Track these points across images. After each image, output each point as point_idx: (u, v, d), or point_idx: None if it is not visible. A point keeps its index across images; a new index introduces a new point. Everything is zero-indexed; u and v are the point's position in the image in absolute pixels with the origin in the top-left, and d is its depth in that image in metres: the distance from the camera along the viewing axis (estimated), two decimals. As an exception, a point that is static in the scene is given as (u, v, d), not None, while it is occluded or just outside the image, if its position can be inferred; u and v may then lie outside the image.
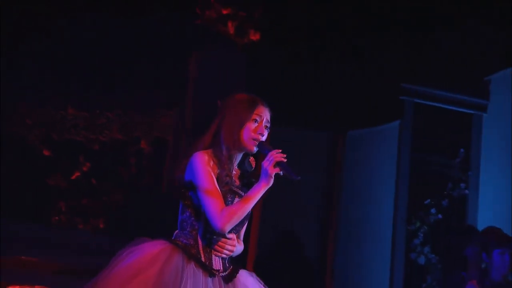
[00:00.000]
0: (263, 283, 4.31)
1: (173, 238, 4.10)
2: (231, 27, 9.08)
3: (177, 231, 4.15)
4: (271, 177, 3.99)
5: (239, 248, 4.18)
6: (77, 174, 9.12)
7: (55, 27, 9.22)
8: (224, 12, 9.08)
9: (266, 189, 4.03)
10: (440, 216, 8.73)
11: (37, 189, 8.85)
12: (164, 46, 9.04)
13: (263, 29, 9.20)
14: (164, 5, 9.02)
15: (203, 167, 4.07)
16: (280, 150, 4.00)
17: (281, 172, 3.94)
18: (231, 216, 4.02)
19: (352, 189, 8.77)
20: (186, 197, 4.10)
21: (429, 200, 8.75)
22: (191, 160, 4.13)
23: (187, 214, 4.09)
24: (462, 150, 8.84)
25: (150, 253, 3.98)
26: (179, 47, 9.06)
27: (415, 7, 9.37)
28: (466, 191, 8.74)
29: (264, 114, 4.23)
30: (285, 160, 3.99)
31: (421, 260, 8.62)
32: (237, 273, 4.16)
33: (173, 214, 8.60)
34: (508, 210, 8.42)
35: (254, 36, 9.08)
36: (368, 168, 8.83)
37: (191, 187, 4.07)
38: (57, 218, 8.84)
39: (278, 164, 3.94)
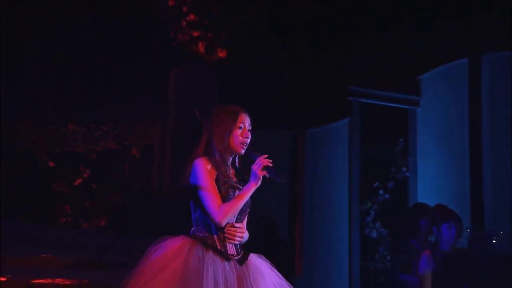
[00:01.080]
0: (270, 263, 4.45)
1: (190, 233, 4.28)
2: (201, 47, 9.34)
3: (193, 228, 4.32)
4: (259, 178, 4.19)
5: (246, 235, 4.32)
6: (79, 180, 9.24)
7: (47, 52, 9.20)
8: (195, 34, 9.36)
9: (255, 188, 4.24)
10: (387, 196, 9.14)
11: (45, 195, 8.92)
12: (146, 68, 9.11)
13: (229, 46, 9.36)
14: (143, 31, 9.11)
15: (203, 171, 4.23)
16: (266, 156, 4.24)
17: (268, 174, 4.16)
18: (227, 212, 4.19)
19: (314, 178, 9.00)
20: (195, 198, 4.27)
21: (377, 183, 9.13)
22: (193, 166, 4.29)
23: (199, 212, 4.26)
24: (401, 139, 9.29)
25: (174, 247, 4.18)
26: (159, 67, 9.19)
27: (357, 17, 9.56)
28: (407, 174, 9.20)
29: (246, 120, 4.40)
30: (271, 165, 4.20)
31: (374, 234, 9.01)
32: (248, 256, 4.32)
33: (162, 211, 8.65)
34: (442, 188, 8.98)
35: (222, 53, 9.33)
36: (325, 160, 9.04)
37: (195, 189, 4.25)
38: (64, 219, 8.95)
39: (265, 168, 4.16)
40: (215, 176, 4.26)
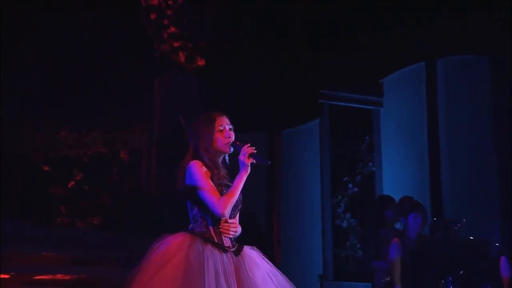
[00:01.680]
0: (262, 254, 4.45)
1: (189, 230, 4.29)
2: (182, 56, 9.35)
3: (191, 224, 4.33)
4: (248, 166, 4.20)
5: (239, 229, 4.32)
6: (72, 183, 9.23)
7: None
8: (176, 45, 9.37)
9: (247, 175, 4.25)
10: (356, 189, 9.27)
11: (42, 197, 8.88)
12: (132, 77, 9.17)
13: (208, 55, 9.39)
14: (128, 44, 9.14)
15: (199, 171, 4.25)
16: (249, 144, 4.24)
17: (254, 161, 4.17)
18: (227, 203, 4.21)
19: (289, 174, 9.10)
20: (192, 197, 4.29)
21: (346, 177, 9.21)
22: (188, 168, 4.29)
23: (196, 210, 4.29)
24: (367, 137, 9.45)
25: (175, 243, 4.20)
26: (144, 76, 9.26)
27: (325, 25, 9.58)
28: (373, 169, 9.37)
29: (224, 122, 4.40)
30: (255, 151, 4.20)
31: (344, 224, 9.12)
32: (243, 247, 4.31)
33: (150, 209, 8.75)
34: (405, 181, 9.16)
35: (201, 62, 9.37)
36: (299, 158, 9.14)
37: (193, 189, 4.25)
38: (59, 219, 8.93)
39: (251, 155, 4.17)
40: (209, 177, 4.27)
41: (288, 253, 8.72)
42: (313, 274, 8.85)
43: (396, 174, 9.47)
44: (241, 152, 4.22)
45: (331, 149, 9.34)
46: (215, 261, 4.17)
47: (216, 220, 4.23)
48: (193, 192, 4.26)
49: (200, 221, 4.27)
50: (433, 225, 7.32)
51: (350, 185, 9.40)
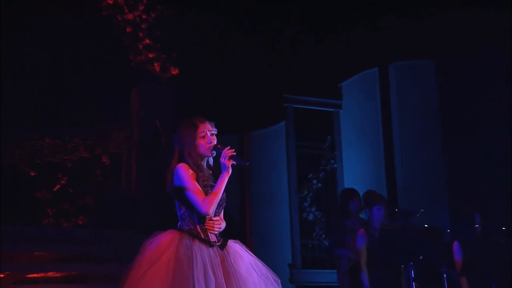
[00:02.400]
0: (244, 247, 4.51)
1: (178, 227, 4.33)
2: (157, 66, 9.30)
3: (179, 222, 4.37)
4: (229, 167, 4.25)
5: (223, 225, 4.40)
6: (58, 186, 9.06)
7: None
8: (150, 56, 9.33)
9: (228, 176, 4.29)
10: (320, 184, 9.46)
11: (30, 201, 8.77)
12: (111, 86, 9.05)
13: (181, 65, 9.35)
14: (106, 56, 9.05)
15: (185, 173, 4.31)
16: (229, 147, 4.30)
17: (234, 162, 4.22)
18: (211, 202, 4.24)
19: (259, 172, 9.10)
20: (180, 198, 4.34)
21: (311, 174, 9.39)
22: (176, 171, 4.36)
23: (184, 209, 4.34)
24: (329, 137, 9.66)
25: (166, 240, 4.25)
26: (122, 85, 9.14)
27: (289, 33, 9.67)
28: (335, 165, 9.60)
29: (206, 128, 4.44)
30: (235, 154, 4.26)
31: (310, 217, 9.31)
32: (227, 241, 4.38)
33: (131, 208, 8.79)
34: (364, 175, 9.45)
35: (174, 71, 9.35)
36: (267, 157, 9.19)
37: (180, 190, 4.29)
38: (46, 220, 8.79)
39: (231, 157, 4.22)
40: (195, 178, 4.30)
41: (259, 245, 8.76)
42: (283, 263, 8.88)
43: (356, 170, 9.68)
44: (222, 155, 4.24)
45: (296, 148, 9.50)
46: (203, 255, 4.21)
47: (201, 218, 4.26)
48: (181, 193, 4.29)
49: (188, 219, 4.31)
50: (394, 214, 7.47)
51: (314, 181, 9.59)
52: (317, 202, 9.45)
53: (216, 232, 4.33)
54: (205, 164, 4.41)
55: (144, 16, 9.31)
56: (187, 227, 4.30)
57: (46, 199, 8.95)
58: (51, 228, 8.58)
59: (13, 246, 7.69)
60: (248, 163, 4.61)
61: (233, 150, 4.26)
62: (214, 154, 4.36)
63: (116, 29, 9.25)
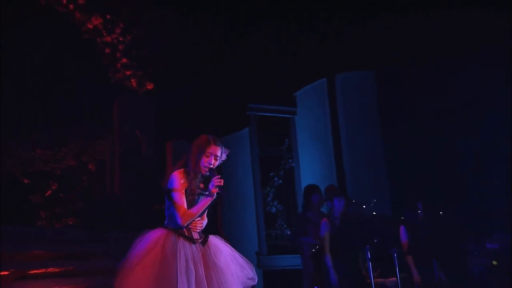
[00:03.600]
0: (224, 240, 4.57)
1: (165, 225, 4.37)
2: (134, 82, 9.34)
3: (166, 221, 4.40)
4: (214, 194, 4.31)
5: (205, 222, 4.46)
6: (49, 192, 8.98)
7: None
8: (128, 73, 9.37)
9: (211, 201, 4.36)
10: (280, 181, 9.56)
11: (24, 205, 8.63)
12: (95, 101, 9.10)
13: (156, 80, 9.36)
14: (89, 74, 9.01)
15: (176, 183, 4.36)
16: (219, 176, 4.35)
17: (219, 191, 4.26)
18: (188, 218, 4.32)
19: (227, 173, 8.32)
20: (170, 199, 4.37)
21: (272, 173, 9.51)
22: (171, 177, 4.38)
23: (171, 209, 4.36)
24: (286, 140, 9.77)
25: (154, 237, 4.29)
26: (105, 100, 9.14)
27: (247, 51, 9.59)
28: (293, 164, 9.70)
29: (213, 150, 4.46)
30: (222, 184, 4.30)
31: (273, 210, 9.43)
32: (208, 237, 4.45)
33: (116, 210, 8.83)
34: (317, 173, 9.58)
35: (150, 86, 9.40)
36: (234, 159, 9.04)
37: (170, 195, 4.34)
38: (40, 222, 8.69)
39: (217, 187, 4.28)
40: (186, 187, 4.33)
41: (229, 235, 8.70)
42: (251, 251, 8.92)
43: (310, 167, 9.75)
44: (212, 182, 4.30)
45: (259, 150, 9.52)
46: (186, 251, 4.27)
47: (180, 223, 4.27)
48: (169, 197, 4.35)
49: (174, 219, 4.34)
50: (352, 205, 7.56)
51: (275, 179, 9.64)
52: (278, 197, 9.49)
53: (198, 230, 4.37)
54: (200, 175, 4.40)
55: (121, 39, 9.31)
56: (173, 226, 4.33)
57: (39, 203, 8.84)
58: (47, 229, 8.36)
59: (13, 246, 7.41)
60: (227, 195, 4.52)
61: (222, 180, 4.32)
62: (207, 174, 4.39)
63: (97, 50, 9.17)
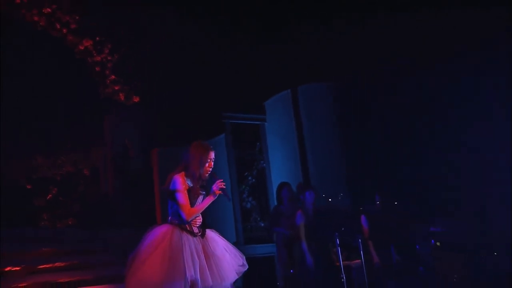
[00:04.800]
0: (218, 234, 4.73)
1: (168, 221, 4.48)
2: (122, 97, 9.35)
3: (169, 217, 4.50)
4: (216, 195, 4.53)
5: (201, 219, 4.63)
6: (50, 196, 9.02)
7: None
8: (116, 88, 9.38)
9: (212, 200, 4.56)
10: (254, 180, 9.67)
11: (28, 208, 8.65)
12: (88, 114, 9.10)
13: (141, 94, 9.35)
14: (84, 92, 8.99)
15: (180, 185, 4.47)
16: (222, 180, 4.53)
17: (222, 193, 4.50)
18: (192, 215, 4.48)
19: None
20: (174, 199, 4.48)
21: (246, 173, 9.63)
22: (173, 179, 4.48)
23: (175, 207, 4.48)
24: (258, 143, 9.87)
25: (161, 231, 4.41)
26: (96, 113, 9.20)
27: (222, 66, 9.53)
28: (264, 165, 9.82)
29: (212, 156, 4.64)
30: (225, 187, 4.52)
31: (248, 205, 9.53)
32: (205, 231, 4.64)
33: (110, 211, 8.96)
34: (285, 172, 9.62)
35: (136, 99, 9.42)
36: (214, 162, 8.94)
37: (174, 195, 4.46)
38: (43, 223, 8.74)
39: (220, 189, 4.51)
40: (188, 188, 4.48)
41: (211, 228, 8.66)
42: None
43: (279, 167, 9.81)
44: (215, 184, 4.51)
45: (234, 153, 9.55)
46: (189, 243, 4.41)
47: (185, 219, 4.46)
48: (174, 197, 4.48)
49: (177, 216, 4.49)
50: (320, 198, 7.63)
51: (249, 178, 9.67)
52: (252, 194, 9.54)
53: (198, 225, 4.57)
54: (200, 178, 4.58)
55: (109, 58, 9.30)
56: (177, 221, 4.46)
57: (42, 206, 8.86)
58: (50, 229, 8.46)
59: (21, 245, 7.57)
60: (230, 198, 4.89)
61: (224, 184, 4.52)
62: (207, 177, 4.63)
63: (88, 69, 9.17)
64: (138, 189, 8.75)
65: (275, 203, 8.24)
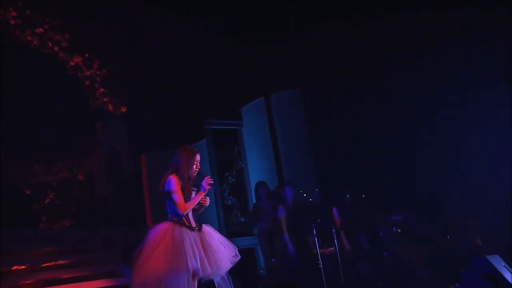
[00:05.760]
0: (213, 228, 4.88)
1: (168, 219, 4.64)
2: (111, 107, 9.40)
3: (169, 215, 4.67)
4: (206, 190, 4.74)
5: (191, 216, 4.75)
6: (48, 200, 8.99)
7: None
8: (105, 100, 9.40)
9: (203, 195, 4.75)
10: (233, 180, 9.72)
11: (28, 211, 8.66)
12: (81, 123, 9.11)
13: (128, 104, 9.39)
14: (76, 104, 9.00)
15: (175, 185, 4.64)
16: (209, 176, 4.77)
17: (210, 187, 4.74)
18: (186, 209, 4.65)
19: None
20: (170, 198, 4.65)
21: (227, 173, 9.69)
22: (168, 180, 4.65)
23: (172, 206, 4.66)
24: (236, 146, 9.91)
25: (163, 228, 4.56)
26: (88, 122, 9.23)
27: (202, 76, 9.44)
28: (242, 166, 9.92)
29: (198, 158, 4.84)
30: (213, 182, 4.77)
31: (229, 202, 9.59)
32: (202, 226, 4.81)
33: (103, 212, 8.92)
34: (261, 171, 9.86)
35: (123, 109, 9.45)
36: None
37: (170, 194, 4.64)
38: (42, 225, 8.74)
39: (209, 184, 4.74)
40: (181, 186, 4.68)
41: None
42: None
43: (256, 168, 9.98)
44: (204, 180, 4.74)
45: (216, 156, 9.61)
46: (189, 237, 4.59)
47: (181, 213, 4.66)
48: (170, 196, 4.66)
49: (175, 213, 4.67)
50: (297, 194, 7.76)
51: (230, 178, 9.70)
52: (233, 192, 9.59)
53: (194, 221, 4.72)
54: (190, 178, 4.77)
55: (97, 72, 9.34)
56: (176, 218, 4.66)
57: (40, 209, 8.83)
58: (48, 230, 8.50)
59: (21, 245, 7.51)
60: (215, 187, 4.93)
61: (212, 179, 4.77)
62: (196, 176, 4.83)
63: (79, 83, 9.23)
64: (130, 191, 8.79)
65: (254, 200, 8.44)
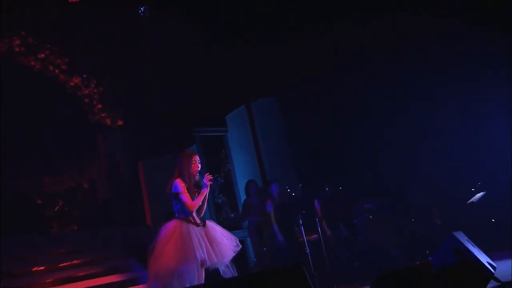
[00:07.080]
0: (215, 223, 5.03)
1: (176, 217, 4.80)
2: (108, 121, 9.49)
3: (176, 214, 4.81)
4: (208, 186, 4.86)
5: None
6: (57, 207, 9.07)
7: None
8: (103, 115, 9.51)
9: (207, 191, 4.88)
10: (222, 180, 9.75)
11: (40, 219, 8.72)
12: (83, 136, 9.18)
13: (124, 118, 9.48)
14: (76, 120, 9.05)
15: (180, 187, 4.80)
16: (208, 173, 4.88)
17: (211, 183, 4.84)
18: (195, 206, 4.81)
19: None
20: (177, 199, 4.80)
21: (216, 174, 9.64)
22: (174, 183, 4.81)
23: (179, 206, 4.80)
24: (223, 150, 9.98)
25: (172, 225, 4.73)
26: (89, 135, 9.30)
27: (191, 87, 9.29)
28: (229, 167, 9.99)
29: (196, 158, 4.95)
30: (212, 178, 4.87)
31: (219, 201, 9.65)
32: (206, 222, 4.94)
33: (106, 216, 9.10)
34: (247, 172, 10.00)
35: (120, 122, 9.56)
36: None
37: (177, 195, 4.80)
38: (53, 230, 8.84)
39: (210, 180, 4.83)
40: (186, 188, 4.84)
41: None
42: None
43: (242, 169, 10.07)
44: (205, 177, 4.88)
45: (205, 159, 9.56)
46: (195, 232, 4.75)
47: (190, 211, 4.87)
48: (177, 197, 4.82)
49: (182, 212, 4.84)
50: (286, 190, 7.92)
51: (219, 179, 9.73)
52: (222, 191, 9.64)
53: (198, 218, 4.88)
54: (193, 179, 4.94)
55: (95, 90, 9.48)
56: (183, 216, 4.83)
57: (51, 216, 8.94)
58: (56, 234, 8.60)
59: (33, 248, 7.70)
60: (215, 182, 4.91)
61: (211, 176, 4.88)
62: (198, 175, 5.00)
63: (78, 101, 9.36)
64: (130, 195, 8.93)
65: (242, 197, 8.54)
